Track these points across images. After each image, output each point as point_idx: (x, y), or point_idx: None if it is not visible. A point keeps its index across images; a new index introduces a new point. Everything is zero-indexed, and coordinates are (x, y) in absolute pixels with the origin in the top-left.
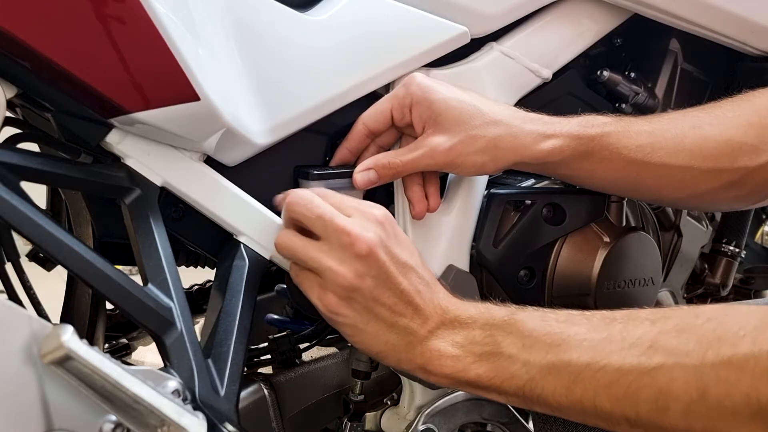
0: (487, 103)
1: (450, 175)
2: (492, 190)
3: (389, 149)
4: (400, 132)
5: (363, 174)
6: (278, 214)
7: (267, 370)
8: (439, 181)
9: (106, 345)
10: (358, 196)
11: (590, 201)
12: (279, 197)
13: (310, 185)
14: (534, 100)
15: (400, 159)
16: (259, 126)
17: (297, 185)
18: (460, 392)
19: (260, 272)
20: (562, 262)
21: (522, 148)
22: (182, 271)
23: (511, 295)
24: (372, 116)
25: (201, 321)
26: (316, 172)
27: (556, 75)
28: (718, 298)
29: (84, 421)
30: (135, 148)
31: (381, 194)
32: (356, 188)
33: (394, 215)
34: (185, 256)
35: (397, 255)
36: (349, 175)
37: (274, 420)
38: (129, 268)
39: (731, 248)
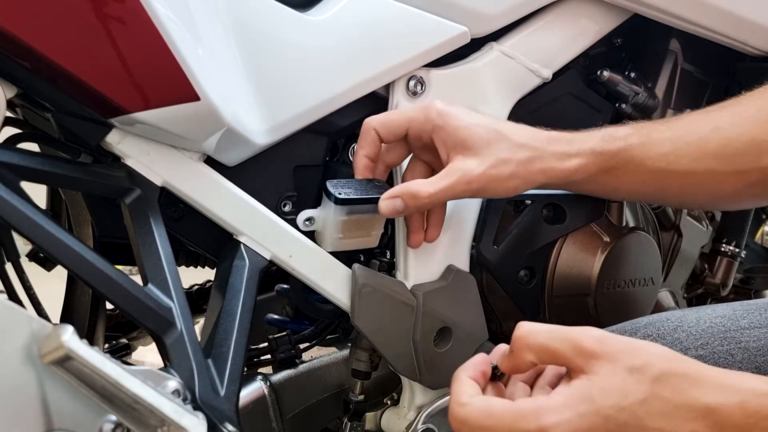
0: (508, 127)
1: None
2: None
3: (391, 161)
4: (409, 149)
5: (389, 203)
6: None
7: (267, 370)
8: (445, 211)
9: (106, 345)
10: (381, 220)
11: (590, 201)
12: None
13: (332, 209)
14: (534, 100)
15: (432, 188)
16: (259, 126)
17: (320, 199)
18: None
19: (260, 272)
20: (562, 262)
21: (549, 169)
22: (182, 271)
23: (511, 295)
24: (386, 126)
25: (201, 321)
26: (341, 196)
27: (556, 75)
28: (718, 298)
29: (84, 421)
30: (135, 148)
31: None
32: (381, 215)
33: (394, 227)
34: (185, 256)
35: None
36: (375, 201)
37: (274, 420)
38: (129, 268)
39: (731, 248)
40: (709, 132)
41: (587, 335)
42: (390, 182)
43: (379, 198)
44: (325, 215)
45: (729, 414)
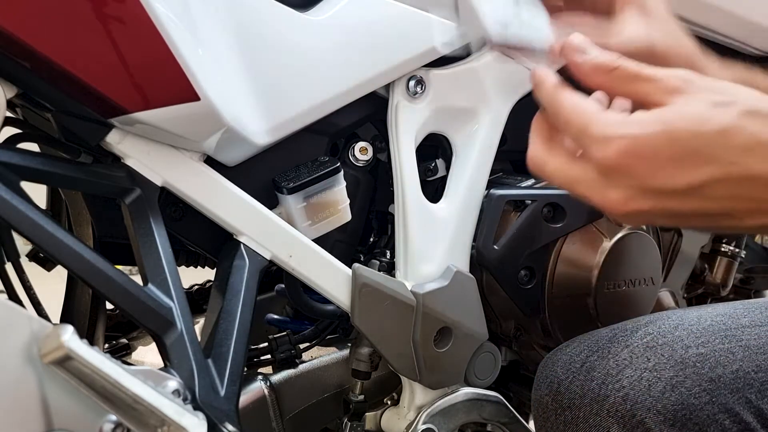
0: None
1: (450, 175)
2: (492, 190)
3: None
4: None
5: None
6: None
7: (267, 370)
8: None
9: (106, 345)
10: (342, 192)
11: None
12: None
13: (288, 201)
14: (534, 100)
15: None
16: (259, 126)
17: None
18: (460, 392)
19: (260, 272)
20: (562, 262)
21: None
22: (182, 271)
23: (511, 295)
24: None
25: (201, 321)
26: (291, 185)
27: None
28: (718, 298)
29: (84, 421)
30: (135, 148)
31: (381, 194)
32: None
33: (394, 228)
34: (185, 256)
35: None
36: (327, 176)
37: (274, 420)
38: (129, 268)
39: (731, 248)
40: None
41: (673, 75)
42: (335, 155)
43: (327, 172)
44: (286, 210)
45: None
